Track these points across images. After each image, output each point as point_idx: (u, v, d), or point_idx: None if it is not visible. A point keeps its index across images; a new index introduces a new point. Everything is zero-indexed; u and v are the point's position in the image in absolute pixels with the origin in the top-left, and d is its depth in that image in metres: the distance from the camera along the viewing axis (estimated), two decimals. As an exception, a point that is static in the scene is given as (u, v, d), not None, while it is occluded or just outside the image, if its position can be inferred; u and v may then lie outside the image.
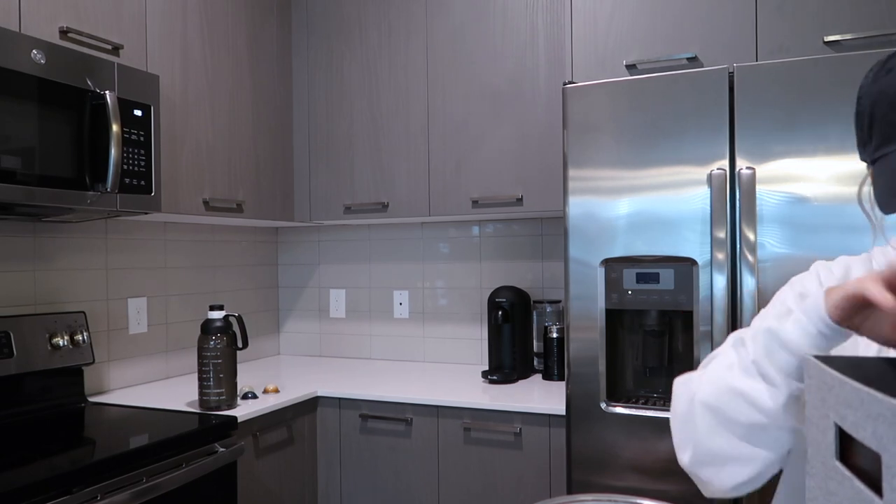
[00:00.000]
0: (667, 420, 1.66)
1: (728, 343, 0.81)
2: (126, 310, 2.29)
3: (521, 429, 1.97)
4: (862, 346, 0.77)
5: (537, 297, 2.57)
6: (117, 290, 2.26)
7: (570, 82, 1.81)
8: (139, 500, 1.50)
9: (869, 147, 0.73)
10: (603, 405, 1.74)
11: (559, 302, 2.46)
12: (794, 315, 0.68)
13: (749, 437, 0.73)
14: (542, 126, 2.24)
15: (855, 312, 0.63)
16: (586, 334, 1.76)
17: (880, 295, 0.58)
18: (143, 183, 1.83)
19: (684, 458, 0.81)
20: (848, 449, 0.47)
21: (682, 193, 1.66)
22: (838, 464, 0.47)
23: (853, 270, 0.82)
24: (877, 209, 0.73)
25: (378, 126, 2.50)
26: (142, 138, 1.84)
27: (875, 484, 0.42)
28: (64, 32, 1.74)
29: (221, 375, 1.92)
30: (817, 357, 0.52)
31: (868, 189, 0.77)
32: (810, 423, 0.53)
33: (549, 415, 1.93)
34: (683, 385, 0.83)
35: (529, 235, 2.62)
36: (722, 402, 0.74)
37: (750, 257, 1.59)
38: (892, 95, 0.69)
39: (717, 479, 0.77)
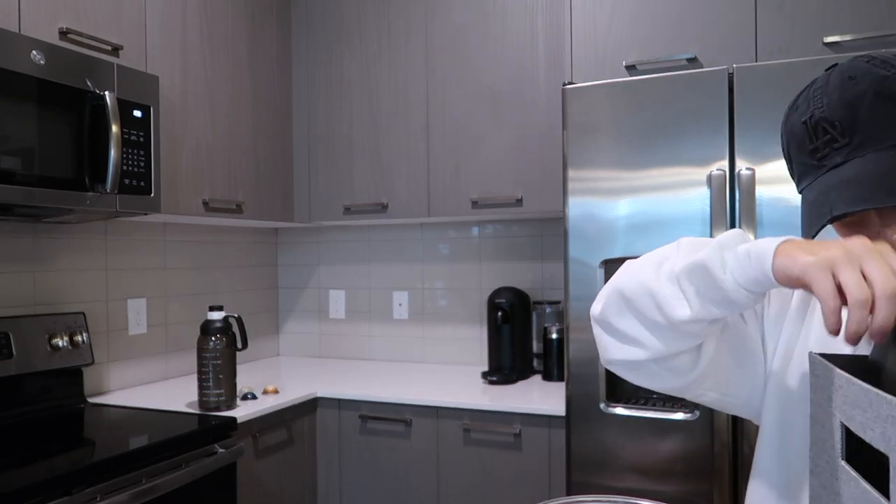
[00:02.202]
0: (668, 421, 1.66)
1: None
2: (126, 310, 2.29)
3: (520, 430, 1.97)
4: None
5: (537, 297, 2.57)
6: (117, 290, 2.26)
7: (570, 83, 1.81)
8: (139, 500, 1.50)
9: (794, 177, 0.77)
10: (602, 406, 1.74)
11: (559, 303, 2.46)
12: (734, 255, 0.66)
13: (650, 329, 0.75)
14: (541, 127, 2.24)
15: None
16: (586, 335, 1.76)
17: (827, 293, 0.54)
18: (142, 184, 1.83)
19: (595, 309, 0.83)
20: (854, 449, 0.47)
21: (681, 194, 1.66)
22: (844, 464, 0.47)
23: None
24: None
25: (378, 127, 2.50)
26: (141, 139, 1.83)
27: (882, 485, 0.42)
28: (64, 33, 1.73)
29: (221, 376, 1.92)
30: (824, 356, 0.52)
31: None
32: (814, 421, 0.53)
33: (549, 416, 1.93)
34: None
35: (529, 236, 2.62)
36: (635, 296, 0.75)
37: (750, 258, 1.59)
38: (798, 135, 0.72)
39: (613, 347, 0.80)
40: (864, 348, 0.70)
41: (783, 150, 0.78)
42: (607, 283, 0.82)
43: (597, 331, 0.83)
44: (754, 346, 0.82)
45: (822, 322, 0.72)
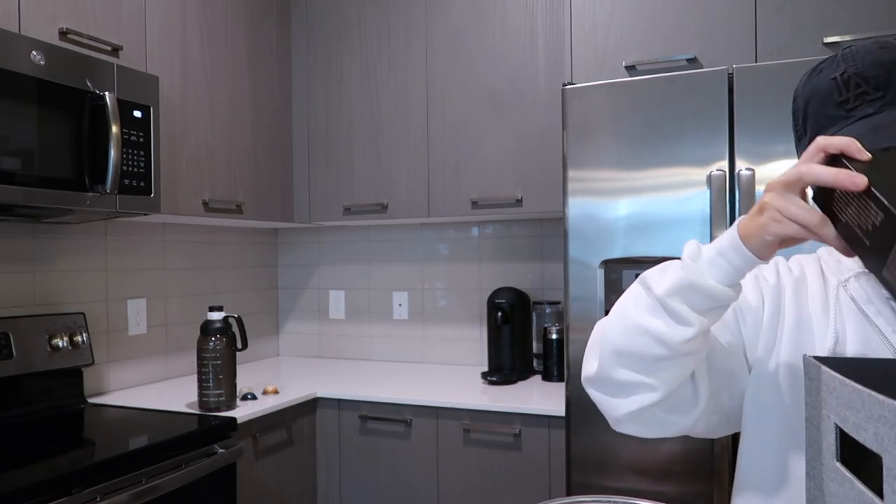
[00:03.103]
0: (666, 421, 1.66)
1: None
2: (125, 311, 2.29)
3: (520, 430, 1.97)
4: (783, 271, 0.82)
5: (537, 298, 2.57)
6: (117, 291, 2.26)
7: (570, 83, 1.81)
8: (139, 501, 1.50)
9: (804, 140, 0.79)
10: (602, 406, 1.74)
11: (559, 303, 2.46)
12: (707, 256, 0.71)
13: (651, 367, 0.75)
14: (541, 127, 2.24)
15: (776, 248, 0.67)
16: (586, 335, 1.76)
17: (835, 242, 0.63)
18: (142, 184, 1.83)
19: (588, 371, 0.82)
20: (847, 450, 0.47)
21: (681, 194, 1.66)
22: (839, 465, 0.47)
23: (806, 269, 0.84)
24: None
25: (377, 127, 2.50)
26: (141, 139, 1.83)
27: (875, 485, 0.42)
28: (63, 33, 1.74)
29: (221, 376, 1.92)
30: (817, 358, 0.52)
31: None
32: (809, 424, 0.53)
33: (549, 416, 1.93)
34: (602, 321, 0.85)
35: (529, 236, 2.62)
36: (631, 341, 0.75)
37: (749, 258, 1.59)
38: (823, 92, 0.76)
39: (617, 402, 0.80)
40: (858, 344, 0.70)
41: (798, 110, 0.80)
42: (589, 349, 0.83)
43: (596, 395, 0.82)
44: (738, 359, 0.84)
45: (791, 334, 0.78)
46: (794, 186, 0.65)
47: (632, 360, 0.76)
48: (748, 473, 0.82)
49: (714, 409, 0.82)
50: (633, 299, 0.77)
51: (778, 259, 0.87)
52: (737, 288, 0.71)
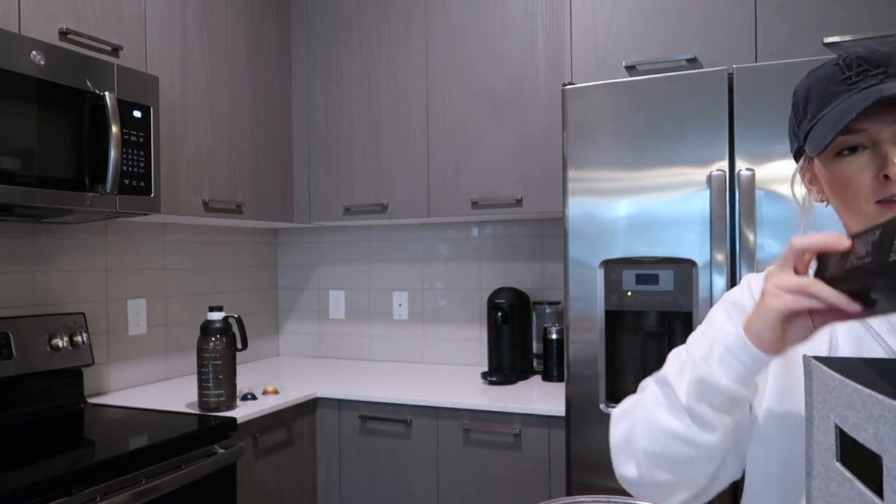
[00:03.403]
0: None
1: (654, 380, 0.83)
2: (125, 311, 2.29)
3: (520, 430, 1.97)
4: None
5: (537, 298, 2.57)
6: (117, 291, 2.26)
7: (570, 83, 1.81)
8: (139, 501, 1.50)
9: (804, 123, 0.79)
10: (602, 406, 1.74)
11: (559, 303, 2.46)
12: (717, 355, 0.71)
13: (690, 465, 0.77)
14: (541, 127, 2.24)
15: (785, 334, 0.65)
16: (586, 335, 1.76)
17: (836, 297, 0.60)
18: (142, 184, 1.83)
19: (628, 474, 0.85)
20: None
21: (681, 195, 1.66)
22: (839, 465, 0.47)
23: None
24: (806, 197, 0.83)
25: (377, 127, 2.50)
26: (141, 139, 1.83)
27: (876, 485, 0.42)
28: (63, 33, 1.74)
29: (221, 376, 1.92)
30: (817, 358, 0.52)
31: (799, 181, 0.86)
32: (810, 425, 0.53)
33: (549, 416, 1.93)
34: (621, 417, 0.86)
35: (529, 236, 2.62)
36: (661, 446, 0.77)
37: (749, 259, 1.59)
38: (826, 76, 0.77)
39: (669, 499, 0.82)
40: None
41: (799, 100, 0.81)
42: (617, 448, 0.85)
43: (643, 493, 0.84)
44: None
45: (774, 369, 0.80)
46: (787, 262, 0.65)
47: (666, 462, 0.78)
48: (758, 477, 0.82)
49: (741, 462, 0.85)
50: (654, 400, 0.78)
51: (749, 280, 0.89)
52: (751, 386, 0.71)
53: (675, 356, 0.87)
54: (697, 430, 0.73)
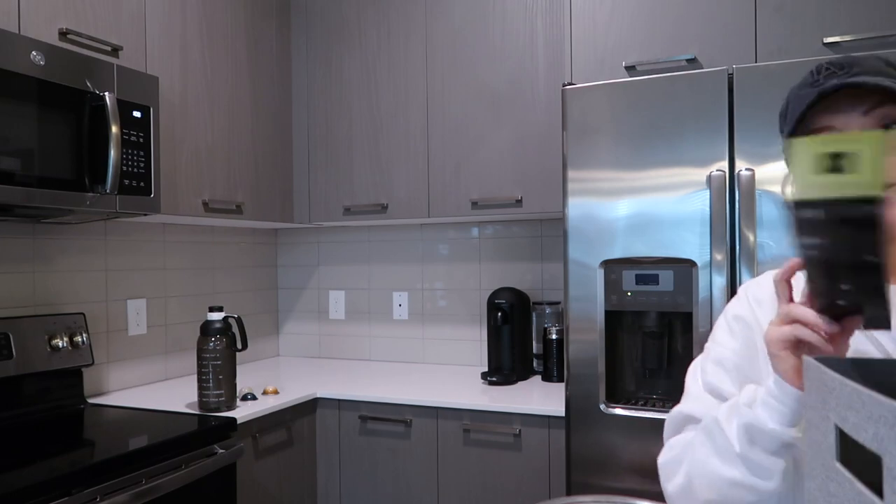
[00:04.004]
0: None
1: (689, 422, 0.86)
2: (125, 311, 2.29)
3: (520, 430, 1.97)
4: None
5: (537, 298, 2.57)
6: (116, 291, 2.26)
7: (570, 83, 1.81)
8: (139, 501, 1.50)
9: (784, 126, 0.83)
10: (602, 406, 1.74)
11: (559, 303, 2.46)
12: (760, 399, 0.72)
13: None
14: (541, 127, 2.24)
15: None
16: (586, 336, 1.76)
17: (813, 337, 0.64)
18: (142, 184, 1.83)
19: None
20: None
21: (681, 195, 1.66)
22: (839, 465, 0.47)
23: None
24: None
25: (377, 127, 2.50)
26: (141, 140, 1.83)
27: (876, 486, 0.42)
28: (63, 34, 1.74)
29: (221, 377, 1.92)
30: (817, 358, 0.52)
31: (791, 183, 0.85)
32: (810, 425, 0.53)
33: (549, 416, 1.93)
34: (673, 466, 0.87)
35: (529, 237, 2.62)
36: (723, 495, 0.77)
37: (749, 259, 1.59)
38: (801, 82, 0.81)
39: None
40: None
41: (782, 110, 0.85)
42: (677, 492, 0.85)
43: None
44: None
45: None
46: (780, 297, 0.69)
47: None
48: None
49: None
50: (706, 449, 0.79)
51: (746, 289, 0.91)
52: (801, 426, 0.72)
53: (693, 375, 0.90)
54: (755, 476, 0.74)
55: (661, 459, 0.90)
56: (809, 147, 0.46)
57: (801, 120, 0.79)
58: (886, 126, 0.73)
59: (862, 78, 0.73)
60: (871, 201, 0.44)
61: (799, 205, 0.49)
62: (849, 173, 0.45)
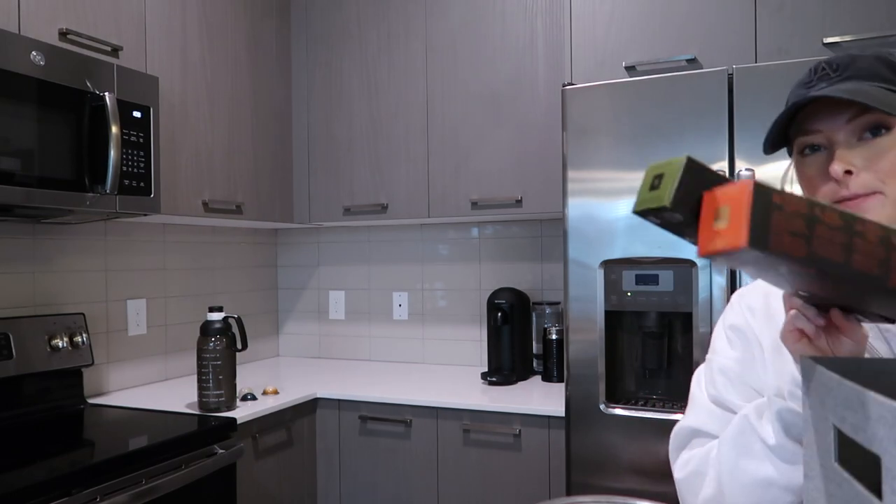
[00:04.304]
0: (667, 422, 1.66)
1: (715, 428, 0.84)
2: (125, 311, 2.29)
3: (520, 430, 1.97)
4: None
5: (537, 298, 2.57)
6: (116, 291, 2.26)
7: (570, 84, 1.81)
8: (139, 501, 1.50)
9: (774, 124, 0.81)
10: (602, 407, 1.74)
11: (558, 303, 2.46)
12: (788, 391, 0.71)
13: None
14: (541, 128, 2.24)
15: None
16: (586, 336, 1.76)
17: (807, 325, 0.64)
18: (142, 184, 1.83)
19: None
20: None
21: (681, 195, 1.66)
22: (837, 466, 0.47)
23: (772, 290, 0.87)
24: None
25: (377, 128, 2.50)
26: (141, 140, 1.83)
27: (874, 486, 0.42)
28: (63, 34, 1.74)
29: (221, 377, 1.92)
30: (815, 359, 0.52)
31: (790, 179, 0.91)
32: (809, 425, 0.53)
33: (549, 416, 1.93)
34: (699, 477, 0.84)
35: (529, 237, 2.62)
36: (757, 498, 0.75)
37: (749, 259, 1.58)
38: (798, 81, 0.80)
39: None
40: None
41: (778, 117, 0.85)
42: (708, 500, 0.82)
43: None
44: None
45: (772, 357, 0.84)
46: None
47: None
48: None
49: None
50: (736, 452, 0.77)
51: (738, 298, 0.92)
52: None
53: (698, 386, 0.89)
54: (791, 470, 0.72)
55: (680, 475, 0.88)
56: (648, 171, 0.58)
57: (790, 122, 0.78)
58: (872, 132, 0.72)
59: (833, 90, 0.72)
60: (664, 210, 0.54)
61: (637, 214, 0.58)
62: (658, 190, 0.56)
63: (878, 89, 0.72)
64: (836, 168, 0.72)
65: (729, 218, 0.51)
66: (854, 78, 0.74)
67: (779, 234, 0.50)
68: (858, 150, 0.73)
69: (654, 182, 0.56)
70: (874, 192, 0.71)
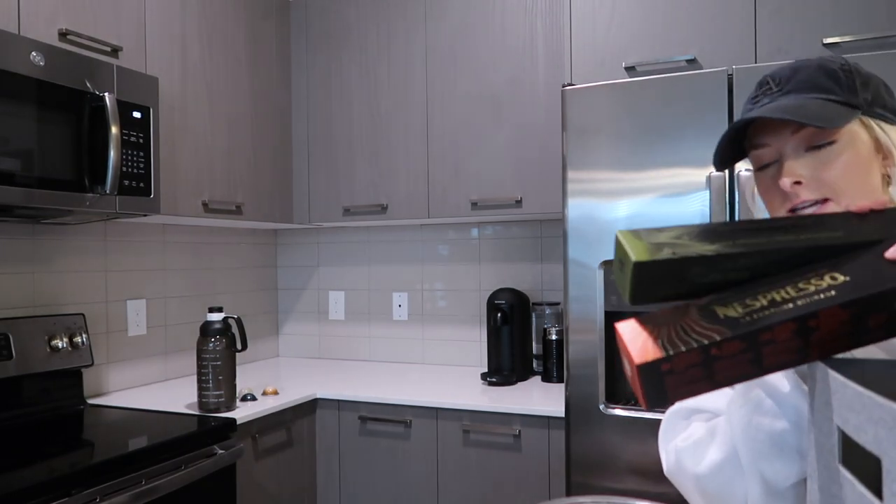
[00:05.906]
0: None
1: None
2: (125, 312, 2.29)
3: (520, 431, 1.97)
4: None
5: (536, 299, 2.57)
6: (116, 291, 2.26)
7: (570, 84, 1.81)
8: (138, 501, 1.50)
9: (721, 140, 0.83)
10: (602, 407, 1.74)
11: (558, 304, 2.46)
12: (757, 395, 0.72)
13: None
14: (541, 128, 2.24)
15: None
16: (585, 336, 1.76)
17: None
18: (142, 185, 1.83)
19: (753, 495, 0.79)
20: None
21: (681, 195, 1.66)
22: (841, 467, 0.47)
23: None
24: (757, 203, 0.85)
25: (377, 128, 2.50)
26: (141, 140, 1.83)
27: (878, 489, 0.42)
28: (63, 34, 1.73)
29: (220, 377, 1.92)
30: (822, 360, 0.52)
31: (751, 192, 0.90)
32: (813, 426, 0.53)
33: (549, 417, 1.93)
34: (696, 448, 0.83)
35: (528, 237, 2.62)
36: (775, 454, 0.73)
37: (749, 259, 1.59)
38: (748, 97, 0.82)
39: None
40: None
41: None
42: (714, 466, 0.80)
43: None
44: None
45: None
46: None
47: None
48: None
49: None
50: (745, 411, 0.76)
51: None
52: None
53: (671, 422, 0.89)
54: (804, 420, 0.70)
55: (682, 445, 0.85)
56: (616, 243, 0.60)
57: (744, 136, 0.80)
58: (815, 147, 0.74)
59: (766, 110, 0.73)
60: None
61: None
62: (622, 275, 0.58)
63: (815, 101, 0.73)
64: (785, 181, 0.74)
65: (629, 373, 0.54)
66: (794, 92, 0.75)
67: (676, 389, 0.52)
68: (806, 161, 0.75)
69: (619, 263, 0.58)
70: (826, 200, 0.74)
